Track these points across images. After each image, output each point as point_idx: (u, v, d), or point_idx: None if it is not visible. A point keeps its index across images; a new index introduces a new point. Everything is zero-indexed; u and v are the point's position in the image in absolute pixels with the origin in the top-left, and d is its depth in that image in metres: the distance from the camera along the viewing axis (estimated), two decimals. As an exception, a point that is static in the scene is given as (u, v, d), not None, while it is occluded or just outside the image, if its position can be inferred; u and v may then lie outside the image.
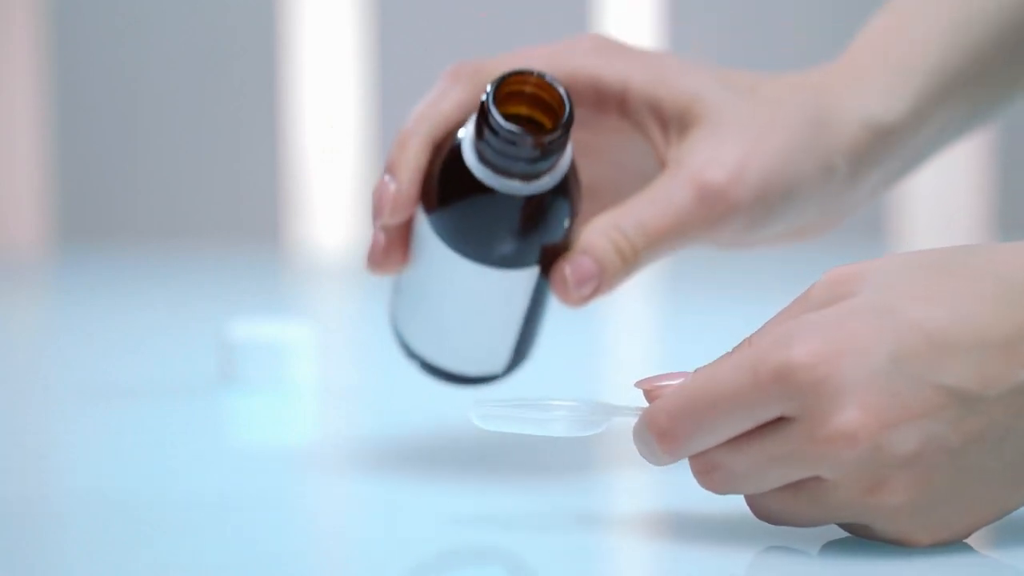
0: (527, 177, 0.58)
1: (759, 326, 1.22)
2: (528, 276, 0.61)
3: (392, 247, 0.62)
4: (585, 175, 0.66)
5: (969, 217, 2.61)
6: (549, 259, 0.61)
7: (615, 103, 0.63)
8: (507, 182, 0.58)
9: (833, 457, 0.47)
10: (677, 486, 0.61)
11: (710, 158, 0.61)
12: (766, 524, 0.54)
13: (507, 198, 0.58)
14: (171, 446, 0.72)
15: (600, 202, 0.67)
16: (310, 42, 2.66)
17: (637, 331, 1.22)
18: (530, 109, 0.59)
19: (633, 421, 0.78)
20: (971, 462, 0.48)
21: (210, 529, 0.54)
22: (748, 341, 0.50)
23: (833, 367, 0.47)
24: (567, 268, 0.61)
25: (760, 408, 0.48)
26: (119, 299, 1.62)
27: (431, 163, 0.61)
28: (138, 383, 0.94)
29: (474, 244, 0.59)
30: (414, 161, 0.60)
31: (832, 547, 0.50)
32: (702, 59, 2.63)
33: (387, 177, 0.60)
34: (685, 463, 0.66)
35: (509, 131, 0.56)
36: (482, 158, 0.58)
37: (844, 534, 0.52)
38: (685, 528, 0.53)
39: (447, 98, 0.61)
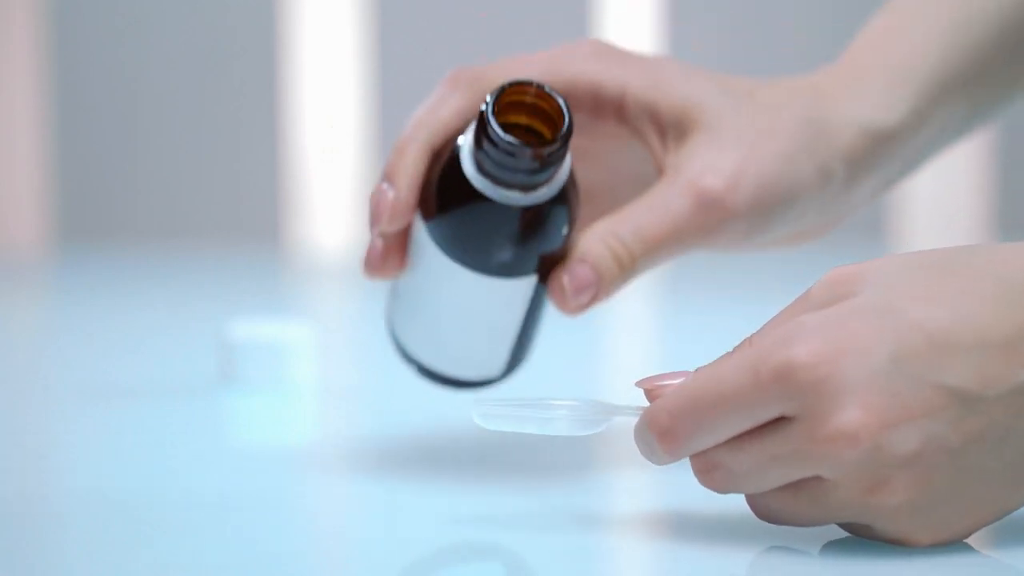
0: (526, 188, 0.58)
1: (759, 326, 1.22)
2: (526, 284, 0.61)
3: (390, 252, 0.62)
4: (583, 180, 0.66)
5: (969, 217, 2.61)
6: (547, 267, 0.61)
7: (613, 109, 0.63)
8: (506, 193, 0.58)
9: (834, 457, 0.47)
10: (677, 486, 0.61)
11: (708, 165, 0.61)
12: (766, 524, 0.54)
13: (505, 208, 0.58)
14: (171, 446, 0.72)
15: (598, 207, 0.67)
16: (310, 42, 2.66)
17: (637, 331, 1.22)
18: (529, 119, 0.58)
19: (634, 421, 0.78)
20: (971, 462, 0.48)
21: (210, 529, 0.54)
22: (749, 341, 0.50)
23: (834, 367, 0.47)
24: (565, 277, 0.60)
25: (761, 408, 0.48)
26: (119, 299, 1.62)
27: (430, 171, 0.60)
28: (138, 383, 0.94)
29: (472, 253, 0.59)
30: (412, 168, 0.60)
31: (832, 547, 0.50)
32: (701, 62, 2.63)
33: (385, 184, 0.60)
34: (685, 463, 0.66)
35: (508, 143, 0.56)
36: (481, 168, 0.58)
37: (844, 534, 0.52)
38: (685, 528, 0.53)
39: (446, 105, 0.61)
